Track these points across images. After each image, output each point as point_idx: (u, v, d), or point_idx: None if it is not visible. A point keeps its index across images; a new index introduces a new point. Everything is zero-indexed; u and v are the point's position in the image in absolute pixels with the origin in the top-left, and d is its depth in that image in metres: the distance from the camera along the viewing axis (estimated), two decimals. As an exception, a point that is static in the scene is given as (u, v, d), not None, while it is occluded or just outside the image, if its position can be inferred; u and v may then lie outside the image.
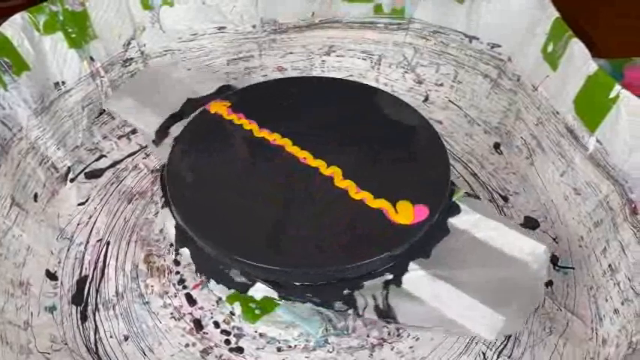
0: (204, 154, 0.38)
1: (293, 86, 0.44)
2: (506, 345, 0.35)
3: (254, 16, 0.50)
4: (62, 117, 0.44)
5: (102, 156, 0.47)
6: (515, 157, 0.45)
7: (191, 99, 0.42)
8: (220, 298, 0.38)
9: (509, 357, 0.35)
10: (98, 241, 0.41)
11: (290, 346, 0.36)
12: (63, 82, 0.44)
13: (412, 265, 0.32)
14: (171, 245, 0.40)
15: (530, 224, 0.41)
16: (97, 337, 0.36)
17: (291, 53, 0.52)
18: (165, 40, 0.49)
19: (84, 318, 0.37)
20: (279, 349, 0.35)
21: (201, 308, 0.37)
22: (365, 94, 0.43)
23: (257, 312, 0.36)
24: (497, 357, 0.35)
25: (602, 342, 0.34)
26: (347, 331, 0.36)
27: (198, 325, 0.37)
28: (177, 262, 0.40)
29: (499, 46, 0.46)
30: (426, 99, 0.51)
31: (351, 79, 0.52)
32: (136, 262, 0.40)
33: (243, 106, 0.40)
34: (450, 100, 0.51)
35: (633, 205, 0.34)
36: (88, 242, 0.41)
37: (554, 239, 0.40)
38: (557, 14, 0.40)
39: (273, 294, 0.33)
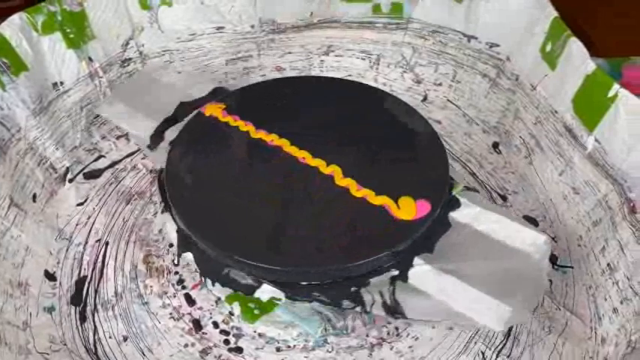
0: (203, 158, 0.38)
1: (287, 87, 0.44)
2: (505, 344, 0.35)
3: (252, 16, 0.50)
4: (60, 117, 0.44)
5: (100, 156, 0.47)
6: (514, 156, 0.46)
7: (184, 102, 0.42)
8: (219, 298, 0.37)
9: (508, 356, 0.35)
10: (97, 241, 0.41)
11: (289, 346, 0.35)
12: (61, 83, 0.44)
13: (417, 260, 0.32)
14: (171, 246, 0.40)
15: (529, 223, 0.41)
16: (96, 337, 0.36)
17: (289, 53, 0.52)
18: (163, 40, 0.49)
19: (83, 318, 0.37)
20: (278, 349, 0.35)
21: (200, 308, 0.37)
22: (360, 92, 0.43)
23: (256, 312, 0.36)
24: (497, 356, 0.35)
25: (601, 341, 0.34)
26: (346, 330, 0.36)
27: (197, 325, 0.37)
28: (176, 263, 0.40)
29: (498, 45, 0.46)
30: (425, 99, 0.51)
31: (349, 79, 0.52)
32: (135, 263, 0.40)
33: (238, 107, 0.40)
34: (448, 100, 0.51)
35: (632, 204, 0.34)
36: (86, 242, 0.41)
37: (553, 238, 0.40)
38: (555, 13, 0.40)
39: (279, 295, 0.33)
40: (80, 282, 0.39)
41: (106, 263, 0.40)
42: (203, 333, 0.36)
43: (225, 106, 0.40)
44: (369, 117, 0.40)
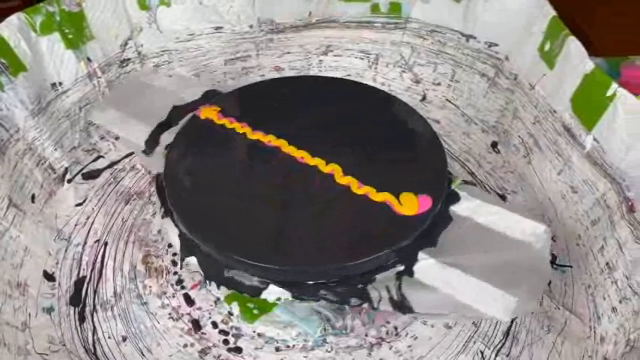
0: (201, 161, 0.38)
1: (282, 87, 0.44)
2: (504, 344, 0.35)
3: (251, 16, 0.50)
4: (59, 118, 0.44)
5: (99, 157, 0.47)
6: (513, 155, 0.46)
7: (177, 106, 0.42)
8: (218, 298, 0.37)
9: (507, 355, 0.35)
10: (96, 241, 0.41)
11: (288, 346, 0.35)
12: (60, 83, 0.44)
13: (421, 255, 0.32)
14: (170, 246, 0.40)
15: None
16: (95, 337, 0.36)
17: (288, 53, 0.52)
18: (162, 40, 0.49)
19: (82, 319, 0.37)
20: (277, 349, 0.35)
21: (200, 308, 0.37)
22: (357, 91, 0.43)
23: (255, 312, 0.36)
24: (496, 355, 0.35)
25: (600, 340, 0.34)
26: (345, 330, 0.36)
27: (196, 325, 0.37)
28: (175, 263, 0.40)
29: (496, 45, 0.46)
30: (424, 98, 0.51)
31: (348, 78, 0.52)
32: (134, 263, 0.40)
33: (233, 109, 0.40)
34: (447, 100, 0.51)
35: (630, 203, 0.34)
36: (85, 243, 0.41)
37: (551, 238, 0.40)
38: (553, 13, 0.40)
39: (286, 295, 0.33)
40: (79, 282, 0.39)
41: (105, 264, 0.40)
42: (202, 333, 0.36)
43: (220, 109, 0.40)
44: (365, 116, 0.40)
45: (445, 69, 0.50)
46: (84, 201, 0.44)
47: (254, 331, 0.36)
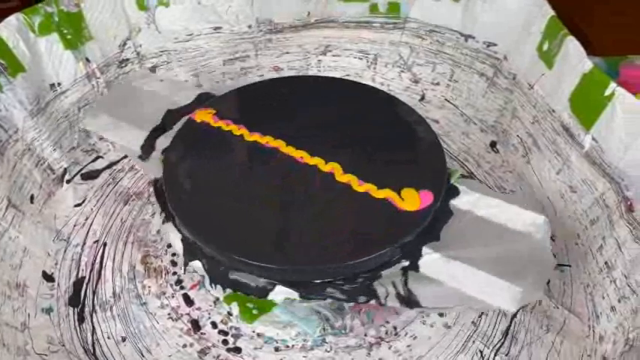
0: (201, 164, 0.37)
1: (277, 87, 0.43)
2: (503, 343, 0.35)
3: (250, 16, 0.50)
4: (58, 118, 0.44)
5: (98, 157, 0.47)
6: (512, 155, 0.46)
7: (171, 110, 0.42)
8: (218, 299, 0.38)
9: (506, 355, 0.35)
10: (95, 242, 0.41)
11: (288, 346, 0.36)
12: (59, 84, 0.44)
13: (425, 250, 0.33)
14: (169, 246, 0.40)
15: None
16: (94, 338, 0.36)
17: (287, 53, 0.52)
18: (161, 40, 0.49)
19: (81, 319, 0.37)
20: (276, 349, 0.35)
21: (199, 309, 0.37)
22: (352, 90, 0.43)
23: (254, 312, 0.36)
24: (495, 355, 0.35)
25: (599, 339, 0.34)
26: (344, 330, 0.36)
27: (195, 325, 0.37)
28: (174, 263, 0.40)
29: (495, 44, 0.46)
30: (423, 98, 0.51)
31: (347, 78, 0.52)
32: (133, 263, 0.40)
33: (228, 112, 0.40)
34: (446, 99, 0.51)
35: (629, 203, 0.34)
36: (84, 243, 0.41)
37: (550, 237, 0.40)
38: (552, 12, 0.40)
39: (294, 295, 0.33)
40: (78, 283, 0.39)
41: (104, 264, 0.40)
42: (202, 333, 0.36)
43: (216, 111, 0.40)
44: (363, 115, 0.40)
45: (444, 69, 0.50)
46: (83, 201, 0.44)
47: (253, 331, 0.36)
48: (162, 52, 0.50)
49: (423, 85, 0.51)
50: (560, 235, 0.39)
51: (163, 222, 0.36)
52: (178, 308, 0.37)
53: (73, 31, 0.44)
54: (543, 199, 0.42)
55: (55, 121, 0.44)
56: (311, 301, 0.34)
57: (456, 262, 0.32)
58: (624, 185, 0.34)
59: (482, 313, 0.37)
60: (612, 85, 0.34)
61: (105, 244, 0.41)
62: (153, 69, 0.50)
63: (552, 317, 0.36)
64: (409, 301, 0.33)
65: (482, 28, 0.46)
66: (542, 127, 0.41)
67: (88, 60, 0.46)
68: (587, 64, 0.36)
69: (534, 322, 0.36)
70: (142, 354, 0.35)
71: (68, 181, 0.45)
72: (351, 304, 0.36)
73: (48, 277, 0.39)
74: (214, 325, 0.37)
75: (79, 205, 0.44)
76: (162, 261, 0.40)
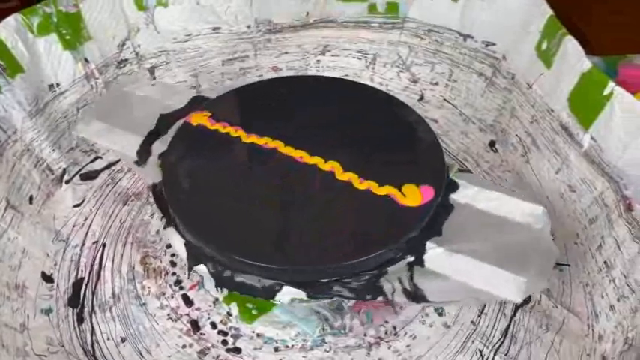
0: (200, 168, 0.37)
1: (271, 88, 0.43)
2: (502, 342, 0.35)
3: (248, 16, 0.50)
4: (57, 119, 0.44)
5: (97, 157, 0.47)
6: (511, 154, 0.46)
7: (164, 114, 0.41)
8: (217, 299, 0.38)
9: (505, 354, 0.35)
10: (94, 243, 0.41)
11: (287, 346, 0.36)
12: (57, 84, 0.44)
13: (429, 244, 0.33)
14: (168, 247, 0.40)
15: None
16: (93, 339, 0.36)
17: (286, 53, 0.52)
18: (159, 40, 0.49)
19: (80, 320, 0.37)
20: (276, 349, 0.35)
21: (198, 309, 0.37)
22: (348, 89, 0.43)
23: (254, 312, 0.36)
24: (494, 354, 0.35)
25: (599, 338, 0.34)
26: (344, 330, 0.36)
27: (195, 325, 0.37)
28: (173, 263, 0.40)
29: (493, 44, 0.46)
30: (422, 98, 0.51)
31: (346, 78, 0.52)
32: (133, 264, 0.40)
33: (224, 114, 0.39)
34: (445, 99, 0.51)
35: (628, 202, 0.34)
36: (83, 244, 0.41)
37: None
38: (550, 12, 0.40)
39: (301, 295, 0.33)
40: (77, 284, 0.39)
41: (103, 265, 0.40)
42: (201, 333, 0.36)
43: (211, 114, 0.39)
44: (360, 113, 0.40)
45: (443, 68, 0.50)
46: (82, 202, 0.44)
47: (253, 332, 0.36)
48: (161, 52, 0.50)
49: (422, 85, 0.51)
50: (560, 234, 0.39)
51: (165, 227, 0.36)
52: (178, 309, 0.37)
53: (72, 31, 0.44)
54: (542, 198, 0.42)
55: (54, 122, 0.44)
56: (318, 300, 0.34)
57: (460, 256, 0.32)
58: (623, 184, 0.34)
59: (481, 312, 0.37)
60: (611, 84, 0.34)
61: (104, 245, 0.41)
62: (152, 69, 0.50)
63: (551, 316, 0.36)
64: (416, 295, 0.33)
65: (480, 28, 0.47)
66: (541, 126, 0.41)
67: (86, 60, 0.46)
68: (586, 63, 0.36)
69: (533, 322, 0.36)
70: (141, 354, 0.35)
71: (67, 182, 0.45)
72: (351, 304, 0.36)
73: (47, 278, 0.39)
74: (214, 325, 0.37)
75: (78, 205, 0.44)
76: (161, 261, 0.40)
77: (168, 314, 0.37)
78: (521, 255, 0.32)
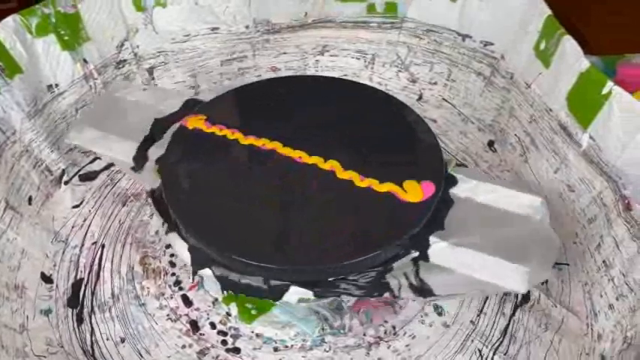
0: (200, 172, 0.37)
1: (267, 89, 0.43)
2: (502, 342, 0.35)
3: (247, 16, 0.50)
4: (56, 119, 0.44)
5: (96, 158, 0.47)
6: (509, 154, 0.46)
7: (159, 119, 0.41)
8: (216, 299, 0.38)
9: (505, 354, 0.35)
10: (93, 243, 0.41)
11: (287, 346, 0.36)
12: (56, 85, 0.44)
13: (432, 239, 0.33)
14: (168, 247, 0.40)
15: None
16: (93, 339, 0.36)
17: (284, 53, 0.52)
18: (158, 41, 0.49)
19: (80, 321, 0.37)
20: (275, 349, 0.35)
21: (198, 309, 0.37)
22: (342, 88, 0.43)
23: (253, 312, 0.36)
24: (493, 354, 0.35)
25: (598, 337, 0.34)
26: (343, 330, 0.36)
27: (194, 326, 0.37)
28: (172, 264, 0.40)
29: (492, 44, 0.46)
30: (420, 97, 0.51)
31: (345, 78, 0.52)
32: (132, 264, 0.40)
33: (219, 117, 0.39)
34: (443, 99, 0.51)
35: (627, 201, 0.34)
36: (83, 245, 0.41)
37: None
38: (549, 12, 0.40)
39: (308, 294, 0.33)
40: (77, 284, 0.39)
41: (102, 265, 0.40)
42: (200, 334, 0.36)
43: (207, 117, 0.39)
44: (357, 112, 0.40)
45: (441, 68, 0.50)
46: (81, 203, 0.44)
47: (252, 332, 0.36)
48: (159, 52, 0.50)
49: (421, 85, 0.52)
50: (559, 233, 0.39)
51: (167, 232, 0.36)
52: (177, 309, 0.37)
53: (71, 32, 0.44)
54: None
55: (52, 123, 0.44)
56: (325, 298, 0.34)
57: (463, 249, 0.32)
58: (622, 184, 0.34)
59: (480, 312, 0.37)
60: (609, 83, 0.34)
61: (103, 246, 0.41)
62: (150, 70, 0.50)
63: (551, 316, 0.36)
64: (422, 290, 0.33)
65: (479, 28, 0.47)
66: (540, 126, 0.41)
67: (85, 61, 0.46)
68: (584, 63, 0.36)
69: (533, 321, 0.36)
70: (140, 355, 0.35)
71: (66, 183, 0.45)
72: (350, 304, 0.36)
73: (46, 279, 0.39)
74: (213, 325, 0.37)
75: (77, 206, 0.44)
76: (160, 262, 0.40)
77: (168, 315, 0.37)
78: (522, 246, 0.32)
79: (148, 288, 0.39)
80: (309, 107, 0.40)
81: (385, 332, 0.36)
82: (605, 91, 0.34)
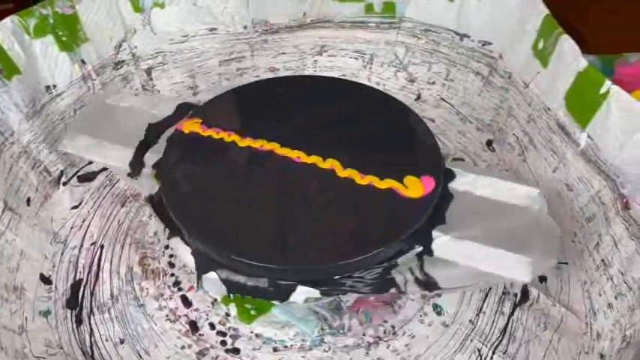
0: (199, 176, 0.37)
1: (259, 91, 0.42)
2: (501, 341, 0.35)
3: (245, 16, 0.50)
4: (54, 120, 0.44)
5: (94, 159, 0.47)
6: (508, 153, 0.46)
7: (152, 124, 0.40)
8: (216, 300, 0.38)
9: (504, 353, 0.35)
10: (92, 244, 0.41)
11: (286, 346, 0.36)
12: (54, 86, 0.44)
13: (435, 233, 0.33)
14: (166, 248, 0.40)
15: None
16: (92, 340, 0.36)
17: (283, 54, 0.53)
18: (156, 42, 0.49)
19: (79, 322, 0.37)
20: (275, 350, 0.35)
21: (197, 310, 0.37)
22: (341, 88, 0.43)
23: (252, 312, 0.36)
24: (493, 353, 0.35)
25: (597, 336, 0.34)
26: (343, 330, 0.36)
27: (193, 326, 0.37)
28: (172, 265, 0.40)
29: (490, 43, 0.46)
30: (419, 97, 0.51)
31: (343, 78, 0.52)
32: (131, 265, 0.40)
33: (215, 119, 0.39)
34: (442, 98, 0.51)
35: (625, 200, 0.34)
36: (81, 246, 0.41)
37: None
38: (546, 11, 0.40)
39: (315, 293, 0.33)
40: (76, 285, 0.39)
41: (101, 266, 0.40)
42: (200, 334, 0.36)
43: (202, 120, 0.39)
44: (355, 112, 0.40)
45: (439, 68, 0.50)
46: (80, 204, 0.44)
47: (252, 332, 0.36)
48: (157, 53, 0.50)
49: (419, 85, 0.52)
50: (557, 232, 0.40)
51: (168, 238, 0.35)
52: (176, 310, 0.37)
53: (69, 32, 0.44)
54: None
55: (51, 124, 0.44)
56: (332, 296, 0.34)
57: (466, 242, 0.33)
58: (620, 183, 0.34)
59: (479, 311, 0.37)
60: (607, 83, 0.34)
61: (102, 246, 0.41)
62: (148, 70, 0.50)
63: (550, 315, 0.36)
64: (428, 284, 0.33)
65: (477, 27, 0.47)
66: (538, 125, 0.41)
67: (83, 62, 0.46)
68: (582, 62, 0.36)
69: (532, 320, 0.36)
70: (140, 356, 0.35)
71: (65, 184, 0.45)
72: (349, 304, 0.36)
73: (45, 280, 0.39)
74: (212, 326, 0.37)
75: (75, 207, 0.44)
76: (159, 262, 0.40)
77: (167, 315, 0.37)
78: (524, 236, 0.33)
79: (147, 289, 0.39)
80: (307, 107, 0.40)
81: (384, 332, 0.36)
82: (603, 90, 0.34)
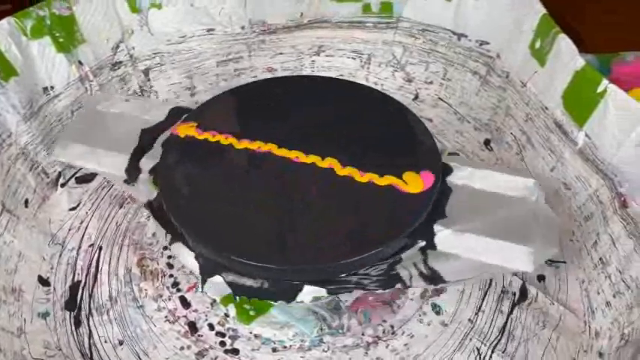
0: (198, 179, 0.36)
1: (253, 92, 0.42)
2: (500, 340, 0.35)
3: (242, 17, 0.50)
4: (52, 122, 0.44)
5: (92, 160, 0.47)
6: (506, 153, 0.46)
7: (146, 129, 0.40)
8: (215, 300, 0.37)
9: (503, 352, 0.35)
10: (90, 246, 0.41)
11: (285, 347, 0.36)
12: (51, 87, 0.44)
13: (436, 227, 0.33)
14: (165, 248, 0.40)
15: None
16: (91, 342, 0.36)
17: (280, 54, 0.53)
18: (154, 42, 0.49)
19: (78, 323, 0.37)
20: (274, 350, 0.35)
21: (196, 311, 0.37)
22: (338, 88, 0.43)
23: (251, 313, 0.36)
24: (492, 352, 0.35)
25: (595, 335, 0.34)
26: (342, 330, 0.36)
27: (192, 327, 0.37)
28: (170, 266, 0.40)
29: (487, 43, 0.47)
30: (416, 97, 0.52)
31: (341, 78, 0.52)
32: (129, 266, 0.40)
33: (210, 122, 0.38)
34: (439, 98, 0.51)
35: (622, 199, 0.34)
36: (80, 247, 0.41)
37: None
38: (544, 11, 0.40)
39: (322, 292, 0.33)
40: (74, 287, 0.39)
41: (99, 268, 0.40)
42: (199, 335, 0.36)
43: (197, 124, 0.38)
44: (353, 112, 0.40)
45: (437, 67, 0.50)
46: (77, 205, 0.44)
47: (251, 333, 0.36)
48: (155, 54, 0.50)
49: (417, 84, 0.52)
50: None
51: (170, 243, 0.35)
52: (175, 311, 0.37)
53: (66, 34, 0.44)
54: (538, 196, 0.42)
55: (48, 125, 0.44)
56: (339, 295, 0.34)
57: (467, 235, 0.33)
58: (618, 181, 0.34)
59: (478, 310, 0.37)
60: (604, 82, 0.34)
61: (100, 248, 0.41)
62: (146, 71, 0.50)
63: (548, 313, 0.36)
64: (433, 278, 0.33)
65: (474, 27, 0.47)
66: (536, 124, 0.41)
67: (80, 63, 0.45)
68: (579, 61, 0.36)
69: (530, 319, 0.36)
70: (139, 357, 0.35)
71: (62, 185, 0.45)
72: (348, 303, 0.36)
73: (44, 282, 0.39)
74: (211, 326, 0.37)
75: (73, 208, 0.44)
76: (158, 263, 0.40)
77: (166, 316, 0.37)
78: (523, 227, 0.33)
79: (145, 290, 0.39)
80: (305, 108, 0.40)
81: (383, 332, 0.36)
82: (600, 89, 0.34)
